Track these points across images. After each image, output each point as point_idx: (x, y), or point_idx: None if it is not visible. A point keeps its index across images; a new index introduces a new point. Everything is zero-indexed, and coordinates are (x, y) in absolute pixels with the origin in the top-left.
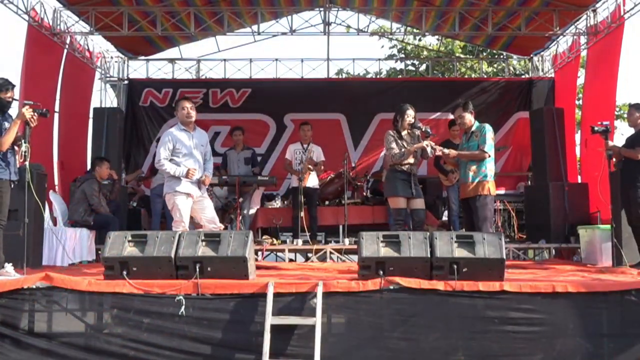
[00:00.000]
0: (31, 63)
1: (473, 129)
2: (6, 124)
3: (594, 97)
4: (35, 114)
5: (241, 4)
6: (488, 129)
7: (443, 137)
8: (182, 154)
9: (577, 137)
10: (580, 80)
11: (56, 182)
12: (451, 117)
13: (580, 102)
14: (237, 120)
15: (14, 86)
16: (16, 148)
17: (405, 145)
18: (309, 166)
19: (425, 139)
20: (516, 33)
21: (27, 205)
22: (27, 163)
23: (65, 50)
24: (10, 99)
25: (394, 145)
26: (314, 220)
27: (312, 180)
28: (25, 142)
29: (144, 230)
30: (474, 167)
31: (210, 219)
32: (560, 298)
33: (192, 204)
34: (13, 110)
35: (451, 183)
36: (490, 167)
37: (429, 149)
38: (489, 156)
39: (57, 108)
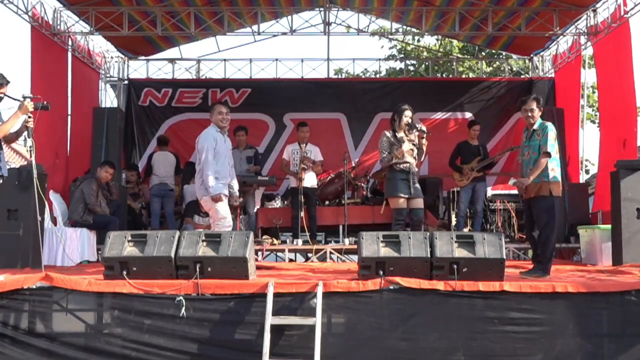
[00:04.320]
0: (38, 64)
1: (535, 127)
2: None
3: (611, 98)
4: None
5: (241, 4)
6: (550, 128)
7: (444, 138)
8: (220, 156)
9: (580, 136)
10: (583, 80)
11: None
12: (468, 116)
13: (584, 101)
14: (237, 120)
15: (8, 82)
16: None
17: (402, 144)
18: (304, 165)
19: (422, 138)
20: (516, 33)
21: (31, 203)
22: (33, 159)
23: (70, 52)
24: (2, 95)
25: (384, 150)
26: (313, 220)
27: (310, 180)
28: (29, 137)
29: (143, 230)
30: None
31: None
32: (560, 298)
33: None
34: (4, 104)
35: (465, 184)
36: (552, 167)
37: (404, 147)
38: (551, 156)
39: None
